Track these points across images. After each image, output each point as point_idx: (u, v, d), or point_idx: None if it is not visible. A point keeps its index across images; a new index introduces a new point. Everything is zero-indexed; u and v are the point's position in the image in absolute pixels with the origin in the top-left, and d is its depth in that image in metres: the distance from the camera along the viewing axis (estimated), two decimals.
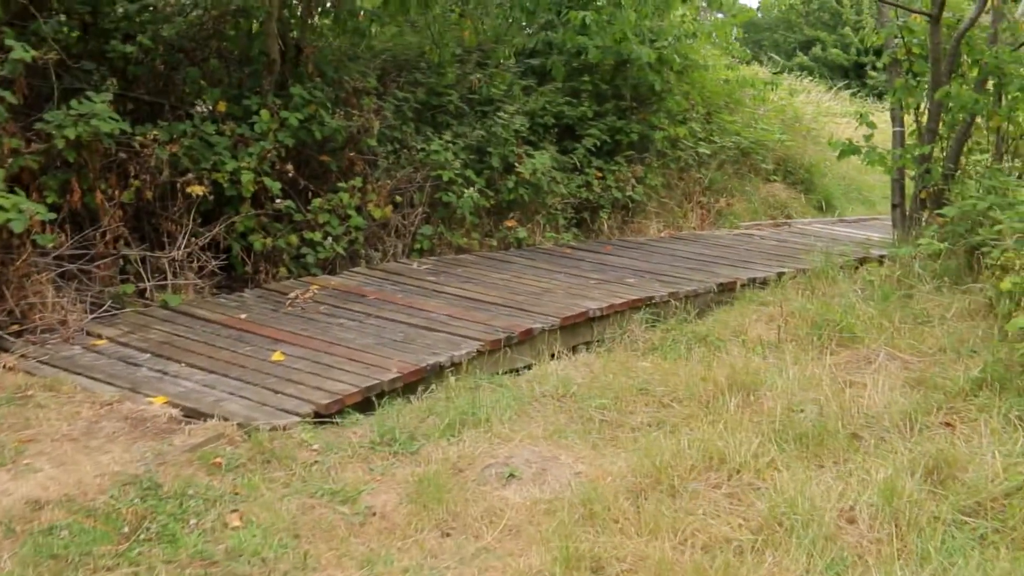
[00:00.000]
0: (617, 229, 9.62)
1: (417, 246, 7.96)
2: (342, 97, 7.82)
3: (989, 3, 7.84)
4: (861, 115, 8.44)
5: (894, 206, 8.63)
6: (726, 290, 7.25)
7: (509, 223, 8.69)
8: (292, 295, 6.34)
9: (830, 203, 11.74)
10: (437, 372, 5.09)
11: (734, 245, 9.09)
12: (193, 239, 6.53)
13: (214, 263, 6.59)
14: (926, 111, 8.10)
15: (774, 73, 13.71)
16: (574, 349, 6.15)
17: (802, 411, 4.70)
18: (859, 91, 21.39)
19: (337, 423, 4.41)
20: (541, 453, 4.01)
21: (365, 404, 4.67)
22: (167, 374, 4.80)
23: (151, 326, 5.59)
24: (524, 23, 10.05)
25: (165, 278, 6.30)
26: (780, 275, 7.65)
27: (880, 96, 19.90)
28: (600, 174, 9.52)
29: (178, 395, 4.49)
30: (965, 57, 8.04)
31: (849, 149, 8.16)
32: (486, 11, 8.99)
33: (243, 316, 5.82)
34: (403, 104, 8.45)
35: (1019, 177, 7.73)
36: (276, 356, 5.06)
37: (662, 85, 9.89)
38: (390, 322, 5.81)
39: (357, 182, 7.58)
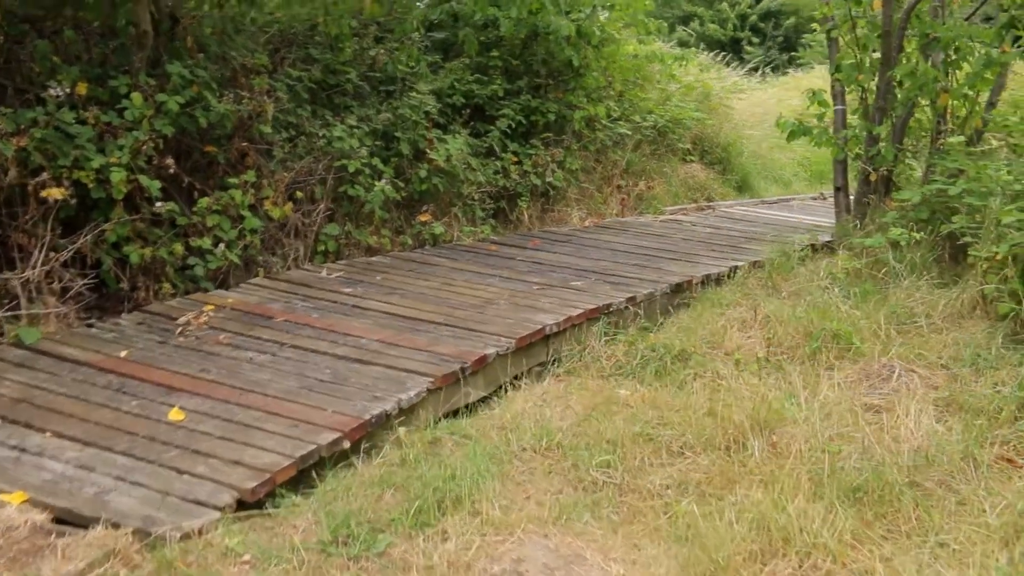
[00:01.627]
0: (537, 219, 8.62)
1: (321, 247, 6.75)
2: (228, 76, 6.51)
3: None
4: (813, 93, 7.63)
5: (837, 189, 7.91)
6: (681, 290, 6.35)
7: (423, 217, 7.57)
8: (182, 320, 5.08)
9: (747, 183, 11.04)
10: (383, 422, 3.97)
11: (667, 234, 8.21)
12: (52, 254, 5.18)
13: (81, 282, 5.26)
14: (874, 88, 7.36)
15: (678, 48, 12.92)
16: (529, 371, 5.13)
17: (840, 452, 3.82)
18: (738, 66, 21.04)
19: (269, 513, 3.24)
20: (557, 550, 2.97)
21: (300, 476, 3.53)
22: (26, 451, 3.50)
23: (1, 376, 4.26)
24: None
25: (18, 306, 4.94)
26: (733, 269, 6.81)
27: (756, 69, 19.51)
28: (516, 159, 8.50)
29: (44, 487, 3.22)
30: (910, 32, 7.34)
31: (799, 130, 7.37)
32: None
33: (123, 354, 4.54)
34: (297, 84, 7.20)
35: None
36: (174, 414, 3.84)
37: (580, 61, 8.91)
38: (311, 353, 4.64)
39: (250, 176, 6.33)
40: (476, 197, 7.98)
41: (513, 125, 8.53)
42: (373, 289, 5.84)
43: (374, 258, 6.79)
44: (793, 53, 24.82)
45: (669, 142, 10.43)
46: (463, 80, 8.50)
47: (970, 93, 7.07)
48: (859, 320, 5.49)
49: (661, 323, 5.97)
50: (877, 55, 7.37)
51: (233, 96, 6.25)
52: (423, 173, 7.50)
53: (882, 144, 7.15)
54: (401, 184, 7.38)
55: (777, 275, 6.56)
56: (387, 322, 5.16)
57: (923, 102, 7.37)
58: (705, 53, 14.79)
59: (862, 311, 5.67)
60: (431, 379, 4.30)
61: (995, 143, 7.77)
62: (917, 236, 6.19)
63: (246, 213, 6.20)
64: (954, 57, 7.12)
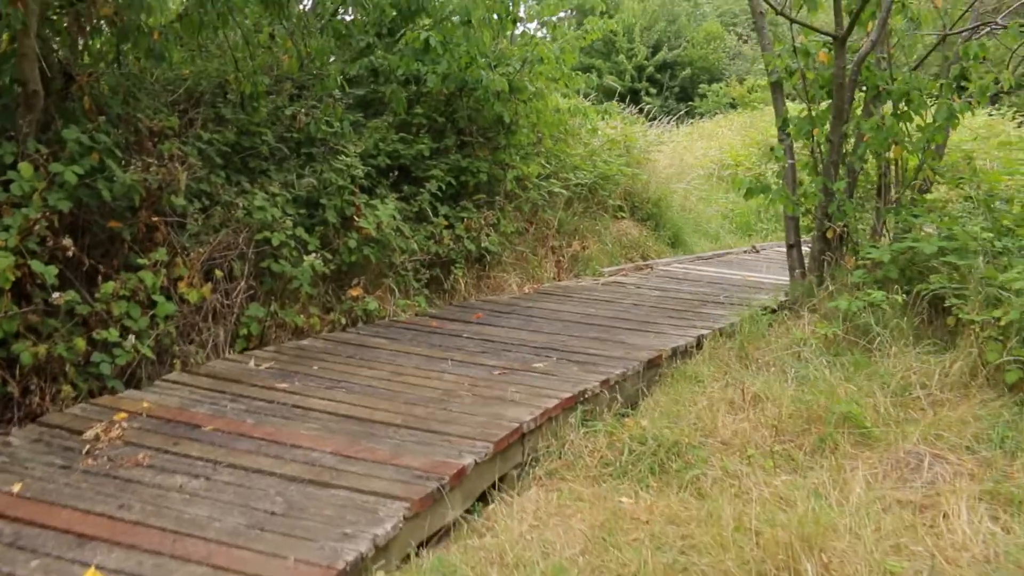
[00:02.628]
0: (474, 287, 7.94)
1: (243, 331, 5.90)
2: (133, 141, 5.67)
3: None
4: (772, 149, 7.19)
5: (791, 246, 7.47)
6: (652, 366, 5.74)
7: (354, 291, 6.79)
8: (90, 435, 4.18)
9: (680, 238, 10.61)
10: (359, 566, 3.19)
11: (615, 299, 7.63)
12: None
13: None
14: (825, 141, 6.97)
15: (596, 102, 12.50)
16: (504, 476, 4.40)
17: (903, 569, 3.22)
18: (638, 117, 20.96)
19: None
20: None
21: None
22: None
23: None
24: (337, 48, 8.15)
25: None
26: (700, 339, 6.25)
27: (654, 119, 19.39)
28: (448, 223, 7.82)
29: None
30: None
31: (757, 188, 6.90)
32: (308, 30, 7.06)
33: (16, 488, 3.63)
34: (208, 148, 6.39)
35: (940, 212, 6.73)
36: (90, 575, 2.98)
37: (511, 117, 8.32)
38: (255, 475, 3.81)
39: (161, 254, 5.48)
40: (409, 267, 7.25)
41: (443, 187, 7.85)
42: (312, 382, 5.03)
43: (305, 341, 5.98)
44: (690, 103, 24.99)
45: (599, 199, 9.93)
46: (387, 140, 7.80)
47: (926, 145, 6.75)
48: (855, 395, 4.97)
49: (637, 406, 5.35)
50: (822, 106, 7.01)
51: (140, 164, 5.40)
52: (352, 243, 6.75)
53: (840, 200, 6.74)
54: (329, 256, 6.61)
55: (749, 344, 6.02)
56: (337, 426, 4.37)
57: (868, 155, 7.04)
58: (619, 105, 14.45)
59: (854, 383, 5.16)
60: (407, 504, 3.53)
61: (943, 193, 7.47)
62: (899, 299, 5.73)
63: (158, 298, 5.35)
64: (904, 109, 6.80)
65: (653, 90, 25.85)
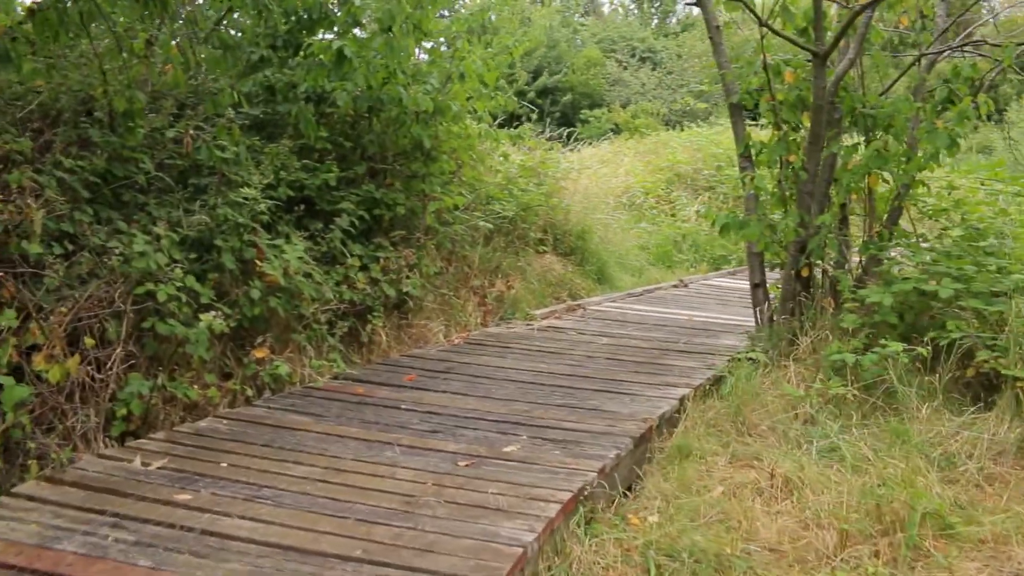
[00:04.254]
0: (395, 338, 6.71)
1: (121, 412, 4.52)
2: None
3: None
4: (753, 179, 6.23)
5: (755, 285, 6.56)
6: (642, 440, 4.66)
7: (259, 352, 5.47)
8: None
9: (605, 273, 9.63)
10: None
11: (560, 349, 6.55)
12: None
13: None
14: (800, 169, 6.09)
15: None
16: None
17: None
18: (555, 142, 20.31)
19: None
20: None
21: None
22: None
23: None
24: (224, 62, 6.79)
25: None
26: (682, 401, 5.23)
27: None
28: (361, 263, 6.58)
29: None
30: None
31: (734, 223, 5.94)
32: (197, 36, 5.73)
33: None
34: (71, 178, 5.00)
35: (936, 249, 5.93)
36: None
37: (432, 142, 7.17)
38: None
39: (8, 318, 4.10)
40: (322, 318, 5.98)
41: (355, 222, 6.62)
42: (225, 490, 3.72)
43: (203, 423, 4.64)
44: (571, 128, 24.35)
45: (520, 232, 8.86)
46: (289, 167, 6.51)
47: (909, 175, 5.97)
48: (905, 474, 4.03)
49: (631, 491, 4.28)
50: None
51: None
52: (255, 293, 5.46)
53: (824, 235, 5.87)
54: (227, 310, 5.30)
55: (745, 407, 5.03)
56: (272, 565, 3.09)
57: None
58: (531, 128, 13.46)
59: (893, 457, 4.22)
60: None
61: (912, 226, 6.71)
62: (924, 351, 4.84)
63: (4, 379, 3.96)
64: (882, 135, 6.02)
65: (534, 115, 25.09)
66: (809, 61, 5.94)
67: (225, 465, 4.00)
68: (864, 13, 5.73)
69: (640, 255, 10.91)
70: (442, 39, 7.75)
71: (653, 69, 26.63)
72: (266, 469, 3.95)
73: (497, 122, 9.31)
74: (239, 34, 6.75)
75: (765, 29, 5.86)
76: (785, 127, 6.05)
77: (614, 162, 14.96)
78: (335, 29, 6.67)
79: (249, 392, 5.22)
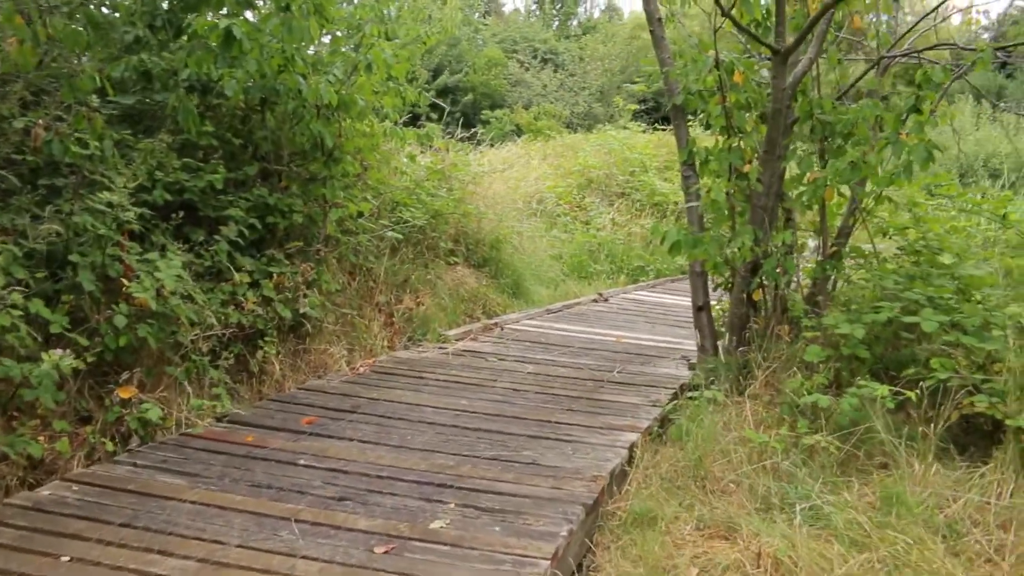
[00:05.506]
0: (290, 367, 5.76)
1: None
2: None
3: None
4: (710, 192, 5.46)
5: (699, 308, 5.85)
6: (594, 507, 3.86)
7: (124, 392, 4.48)
8: None
9: (521, 286, 8.82)
10: None
11: (482, 381, 5.71)
12: None
13: None
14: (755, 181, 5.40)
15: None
16: None
17: None
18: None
19: None
20: None
21: None
22: None
23: None
24: (84, 38, 5.70)
25: None
26: (630, 453, 4.46)
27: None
28: (251, 279, 5.62)
29: None
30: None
31: (687, 241, 5.20)
32: (52, 7, 4.67)
33: None
34: None
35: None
36: None
37: (334, 140, 6.24)
38: None
39: None
40: (204, 347, 5.00)
41: (244, 232, 5.64)
42: None
43: (46, 491, 3.63)
44: (473, 129, 23.55)
45: (430, 242, 7.98)
46: (166, 167, 5.49)
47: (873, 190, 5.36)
48: (904, 545, 3.35)
49: (581, 571, 3.48)
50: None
51: None
52: (120, 320, 4.46)
53: (780, 256, 5.20)
54: (84, 341, 4.29)
55: (707, 458, 4.29)
56: None
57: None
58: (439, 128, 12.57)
59: (891, 523, 3.55)
60: None
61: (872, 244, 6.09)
62: (913, 395, 4.19)
63: None
64: (841, 144, 5.39)
65: (434, 115, 24.18)
66: (765, 59, 5.26)
67: (67, 560, 3.03)
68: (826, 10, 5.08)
69: (554, 266, 10.14)
70: (346, 29, 6.82)
71: (555, 71, 26.02)
72: (122, 566, 3.00)
73: (400, 122, 8.37)
74: (115, 13, 5.69)
75: (719, 22, 5.15)
76: (739, 133, 5.34)
77: (519, 165, 14.16)
78: (224, 11, 5.68)
79: (111, 445, 4.22)
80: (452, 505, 3.64)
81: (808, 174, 5.15)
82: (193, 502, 3.56)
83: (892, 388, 4.18)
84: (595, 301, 9.05)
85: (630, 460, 4.39)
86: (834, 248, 5.53)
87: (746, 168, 5.25)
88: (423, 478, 3.93)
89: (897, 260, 5.67)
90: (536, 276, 9.38)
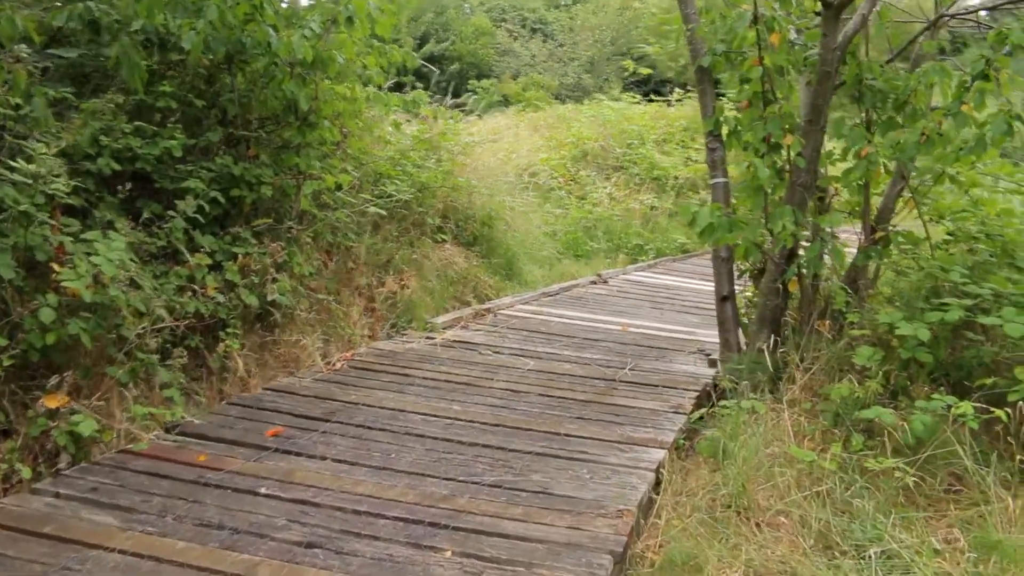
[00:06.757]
0: (256, 363, 4.97)
1: None
2: None
3: None
4: (751, 168, 4.68)
5: (723, 299, 5.11)
6: (623, 554, 3.12)
7: (51, 400, 3.69)
8: None
9: (514, 267, 8.05)
10: None
11: (477, 381, 4.94)
12: None
13: None
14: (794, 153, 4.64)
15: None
16: None
17: None
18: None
19: None
20: None
21: None
22: None
23: None
24: None
25: None
26: (657, 476, 3.72)
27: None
28: (212, 262, 4.83)
29: None
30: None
31: (722, 224, 4.42)
32: None
33: None
34: None
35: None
36: None
37: (309, 103, 5.42)
38: None
39: None
40: (152, 343, 4.21)
41: (205, 206, 4.84)
42: None
43: None
44: (457, 99, 22.70)
45: (416, 217, 7.18)
46: (115, 131, 4.67)
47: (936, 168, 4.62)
48: None
49: None
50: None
51: None
52: (48, 313, 3.66)
53: (826, 241, 4.46)
54: (1, 340, 3.51)
55: (751, 483, 3.56)
56: None
57: None
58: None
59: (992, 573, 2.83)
60: None
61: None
62: (1002, 415, 3.47)
63: None
64: (892, 115, 4.63)
65: (420, 84, 23.28)
66: (816, 15, 4.49)
67: None
68: None
69: (548, 244, 9.35)
70: None
71: (544, 41, 25.09)
72: None
73: (385, 87, 7.52)
74: None
75: None
76: (779, 100, 4.56)
77: (509, 137, 13.33)
78: None
79: (26, 472, 3.43)
80: (449, 554, 2.89)
81: (859, 149, 4.37)
82: (123, 551, 2.80)
83: (977, 405, 3.45)
84: (594, 283, 8.30)
85: (656, 484, 3.66)
86: (880, 232, 4.79)
87: (786, 140, 4.48)
88: (411, 514, 3.17)
89: (947, 247, 4.93)
90: (530, 255, 8.61)
